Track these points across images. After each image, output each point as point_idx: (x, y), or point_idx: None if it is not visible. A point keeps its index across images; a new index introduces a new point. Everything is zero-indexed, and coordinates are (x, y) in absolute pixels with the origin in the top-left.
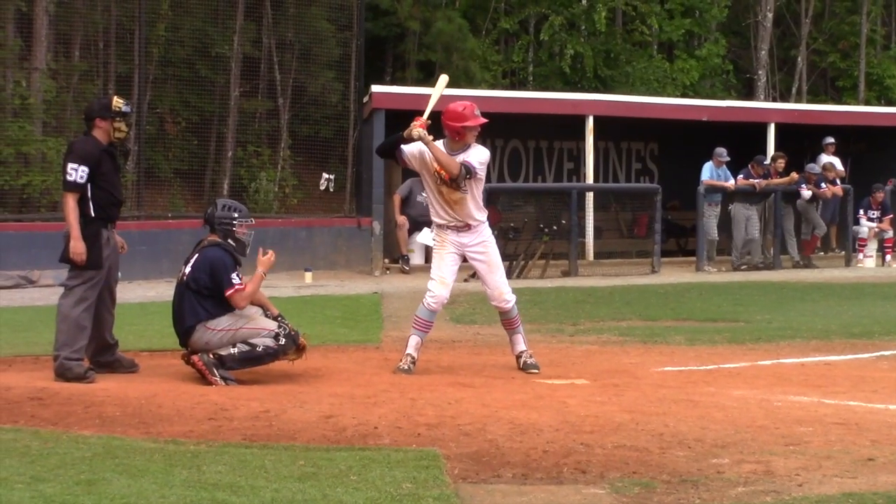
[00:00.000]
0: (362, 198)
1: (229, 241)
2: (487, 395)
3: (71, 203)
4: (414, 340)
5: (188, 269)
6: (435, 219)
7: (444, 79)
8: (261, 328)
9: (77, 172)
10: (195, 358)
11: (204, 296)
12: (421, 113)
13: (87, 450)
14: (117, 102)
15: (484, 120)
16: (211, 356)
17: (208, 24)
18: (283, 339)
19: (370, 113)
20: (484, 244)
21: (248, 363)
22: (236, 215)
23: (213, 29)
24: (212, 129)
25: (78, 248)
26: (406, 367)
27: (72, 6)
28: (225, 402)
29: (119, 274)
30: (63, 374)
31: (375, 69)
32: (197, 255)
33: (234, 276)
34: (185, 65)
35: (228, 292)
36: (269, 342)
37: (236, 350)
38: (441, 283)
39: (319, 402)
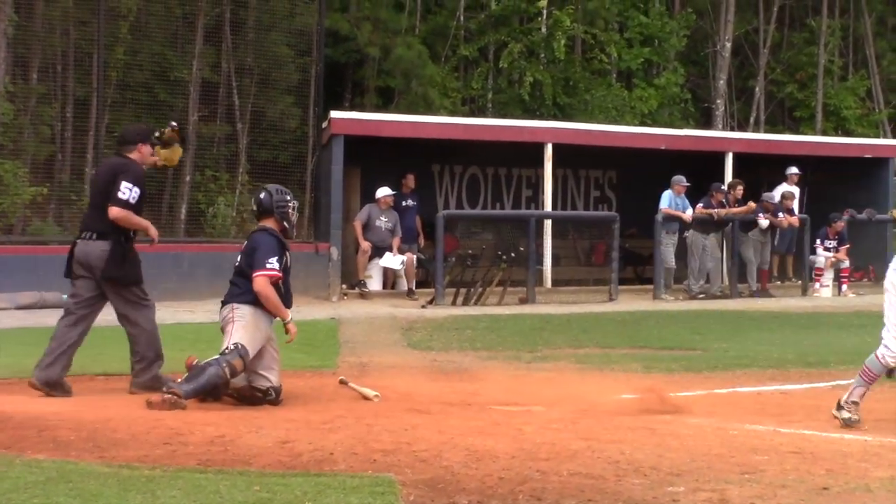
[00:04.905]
0: (320, 223)
1: (285, 223)
2: (444, 421)
3: (124, 214)
4: None
5: (239, 257)
6: None
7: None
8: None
9: (131, 192)
10: (151, 403)
11: (240, 273)
12: None
13: (41, 474)
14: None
15: None
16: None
17: (167, 48)
18: (229, 353)
19: (329, 138)
20: None
21: (194, 379)
22: (289, 198)
23: (171, 53)
24: None
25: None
26: None
27: (30, 29)
28: (180, 426)
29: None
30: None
31: (334, 95)
32: (246, 241)
33: (272, 259)
34: (143, 88)
35: (256, 273)
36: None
37: (180, 380)
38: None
39: (275, 427)
